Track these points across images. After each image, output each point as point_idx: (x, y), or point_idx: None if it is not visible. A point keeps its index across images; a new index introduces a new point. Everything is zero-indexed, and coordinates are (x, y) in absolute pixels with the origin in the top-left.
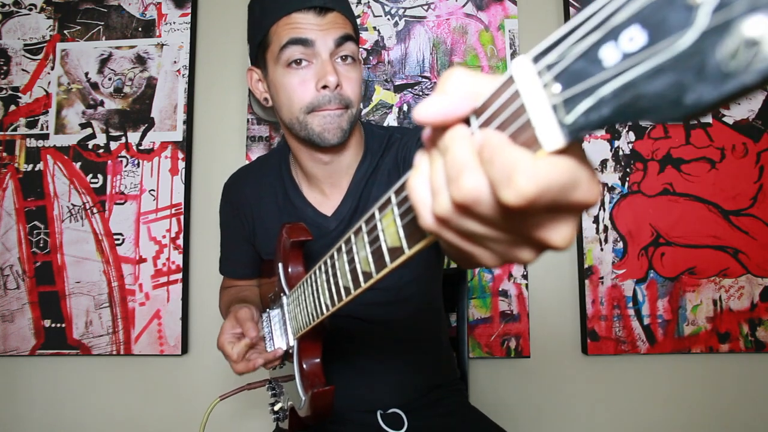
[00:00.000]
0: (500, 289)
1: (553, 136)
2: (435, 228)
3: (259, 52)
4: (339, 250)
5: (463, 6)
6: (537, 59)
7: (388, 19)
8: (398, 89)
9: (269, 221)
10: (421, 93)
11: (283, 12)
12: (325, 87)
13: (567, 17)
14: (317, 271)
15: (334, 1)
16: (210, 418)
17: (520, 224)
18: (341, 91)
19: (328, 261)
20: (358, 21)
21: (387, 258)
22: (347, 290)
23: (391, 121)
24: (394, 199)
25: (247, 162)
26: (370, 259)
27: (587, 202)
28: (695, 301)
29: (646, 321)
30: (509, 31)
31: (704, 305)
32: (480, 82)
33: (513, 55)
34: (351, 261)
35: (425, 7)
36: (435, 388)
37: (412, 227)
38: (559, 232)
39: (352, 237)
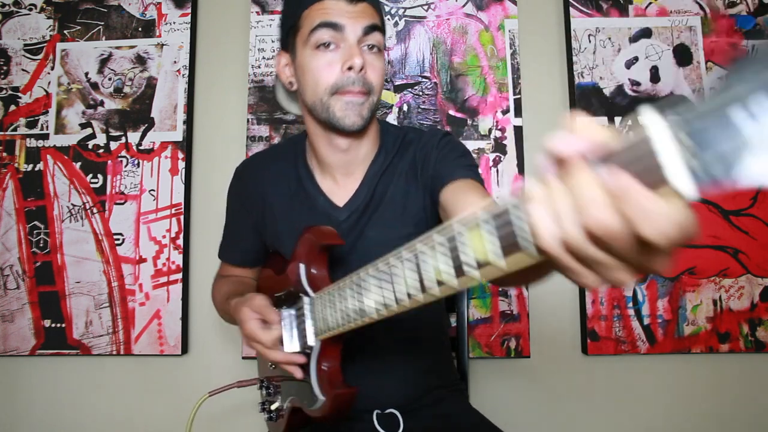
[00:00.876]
0: (500, 289)
1: (685, 184)
2: (557, 252)
3: (289, 36)
4: (399, 257)
5: (463, 6)
6: (665, 114)
7: (388, 19)
8: (398, 89)
9: (279, 207)
10: (421, 93)
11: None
12: (350, 69)
13: (567, 17)
14: (363, 275)
15: None
16: (204, 416)
17: (640, 254)
18: (365, 75)
19: (382, 266)
20: None
21: (476, 273)
22: (410, 296)
23: (391, 120)
24: (492, 222)
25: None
26: (452, 272)
27: (693, 239)
28: (695, 301)
29: (646, 321)
30: (509, 31)
31: (704, 305)
32: (603, 129)
33: (513, 55)
34: (418, 270)
35: (425, 7)
36: (435, 388)
37: (507, 246)
38: (666, 262)
39: (422, 246)
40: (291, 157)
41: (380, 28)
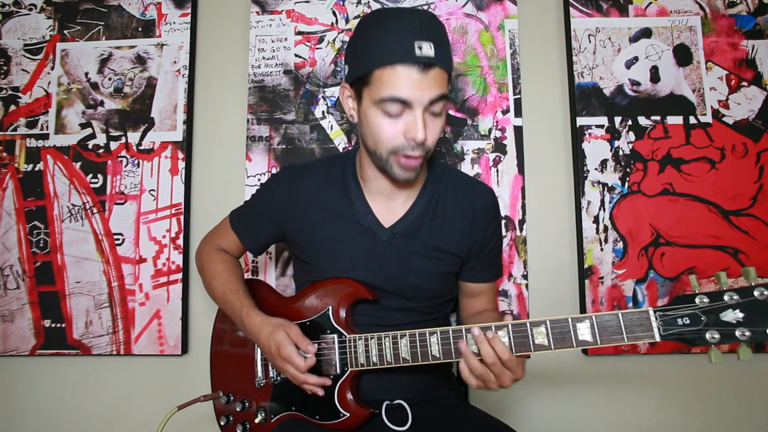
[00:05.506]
0: (500, 289)
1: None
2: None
3: (356, 81)
4: (469, 329)
5: (463, 6)
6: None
7: None
8: None
9: (322, 217)
10: None
11: (389, 61)
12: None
13: (567, 17)
14: (428, 335)
15: (438, 58)
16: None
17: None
18: (425, 142)
19: (448, 333)
20: (359, 19)
21: (532, 347)
22: (474, 353)
23: None
24: (549, 331)
25: (248, 162)
26: (512, 345)
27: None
28: None
29: None
30: (509, 31)
31: None
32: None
33: (513, 55)
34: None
35: (425, 8)
36: (438, 386)
37: (559, 341)
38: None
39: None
40: (340, 173)
41: (447, 96)
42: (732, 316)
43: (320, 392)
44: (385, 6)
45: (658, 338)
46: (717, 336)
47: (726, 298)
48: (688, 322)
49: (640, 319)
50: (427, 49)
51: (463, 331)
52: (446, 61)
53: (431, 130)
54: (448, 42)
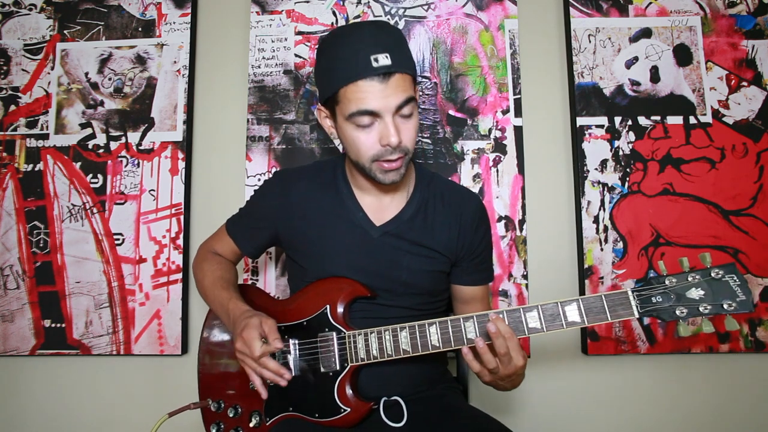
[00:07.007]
0: (500, 289)
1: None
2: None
3: (328, 101)
4: (467, 319)
5: (463, 6)
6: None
7: (388, 19)
8: None
9: (315, 217)
10: (421, 93)
11: (350, 80)
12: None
13: (567, 17)
14: (427, 326)
15: (396, 64)
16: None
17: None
18: (401, 144)
19: (447, 323)
20: (359, 19)
21: (526, 331)
22: (471, 341)
23: None
24: (541, 315)
25: (248, 162)
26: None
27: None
28: None
29: (646, 321)
30: (509, 31)
31: None
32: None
33: (513, 55)
34: (482, 323)
35: (425, 7)
36: (435, 382)
37: (550, 323)
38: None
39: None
40: (331, 175)
41: (413, 97)
42: (695, 293)
43: (282, 382)
44: (385, 5)
45: (636, 315)
46: (685, 311)
47: (690, 278)
48: (660, 300)
49: (621, 299)
50: (383, 60)
51: (461, 320)
52: (405, 66)
53: (405, 132)
54: (405, 46)
